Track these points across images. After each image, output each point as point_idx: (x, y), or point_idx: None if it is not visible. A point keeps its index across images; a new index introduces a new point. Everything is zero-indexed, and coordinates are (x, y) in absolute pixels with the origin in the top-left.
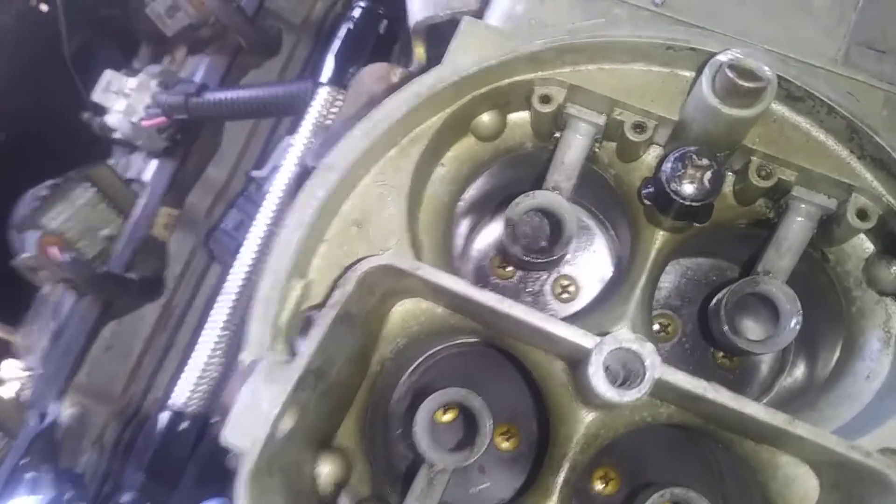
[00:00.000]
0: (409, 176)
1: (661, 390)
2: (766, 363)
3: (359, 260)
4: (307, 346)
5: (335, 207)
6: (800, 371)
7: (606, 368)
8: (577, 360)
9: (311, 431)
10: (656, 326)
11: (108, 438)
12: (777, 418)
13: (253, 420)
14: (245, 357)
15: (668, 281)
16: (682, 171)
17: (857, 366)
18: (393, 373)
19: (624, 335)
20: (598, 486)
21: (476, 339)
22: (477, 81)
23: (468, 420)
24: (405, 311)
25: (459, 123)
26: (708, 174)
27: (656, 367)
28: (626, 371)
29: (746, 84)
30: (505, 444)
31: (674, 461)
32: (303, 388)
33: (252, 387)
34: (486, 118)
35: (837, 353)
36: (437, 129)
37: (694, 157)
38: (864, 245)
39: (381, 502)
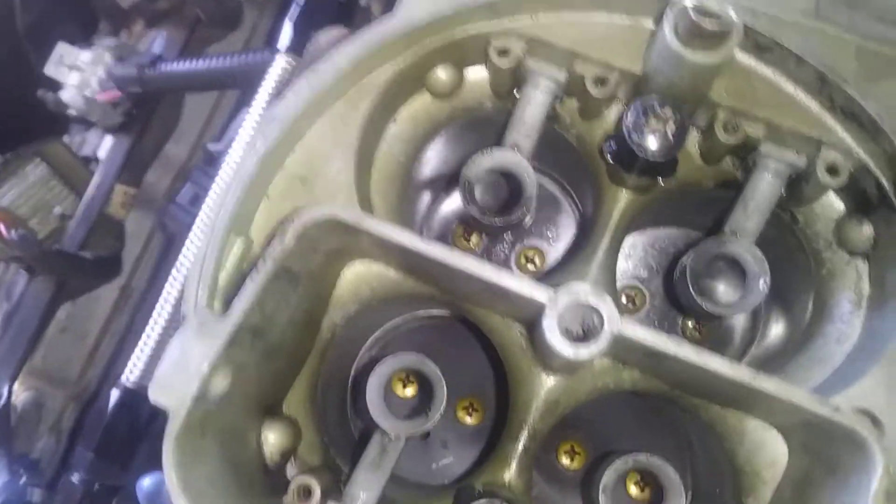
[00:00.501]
0: (357, 130)
1: (623, 350)
2: (736, 332)
3: (296, 210)
4: (241, 300)
5: (278, 161)
6: (771, 338)
7: (563, 327)
8: (533, 321)
9: (253, 396)
10: (623, 299)
11: (66, 423)
12: (740, 372)
13: (181, 377)
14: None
15: (634, 251)
16: (645, 121)
17: (827, 328)
18: (346, 342)
19: (580, 287)
20: (565, 460)
21: (437, 314)
22: (430, 32)
23: (425, 389)
24: (355, 275)
25: (413, 78)
26: (671, 125)
27: (614, 321)
28: (584, 327)
29: (710, 25)
30: (468, 419)
31: (640, 431)
32: (238, 345)
33: (180, 342)
34: (441, 73)
35: (808, 317)
36: (388, 82)
37: (656, 106)
38: (835, 205)
39: (331, 472)
